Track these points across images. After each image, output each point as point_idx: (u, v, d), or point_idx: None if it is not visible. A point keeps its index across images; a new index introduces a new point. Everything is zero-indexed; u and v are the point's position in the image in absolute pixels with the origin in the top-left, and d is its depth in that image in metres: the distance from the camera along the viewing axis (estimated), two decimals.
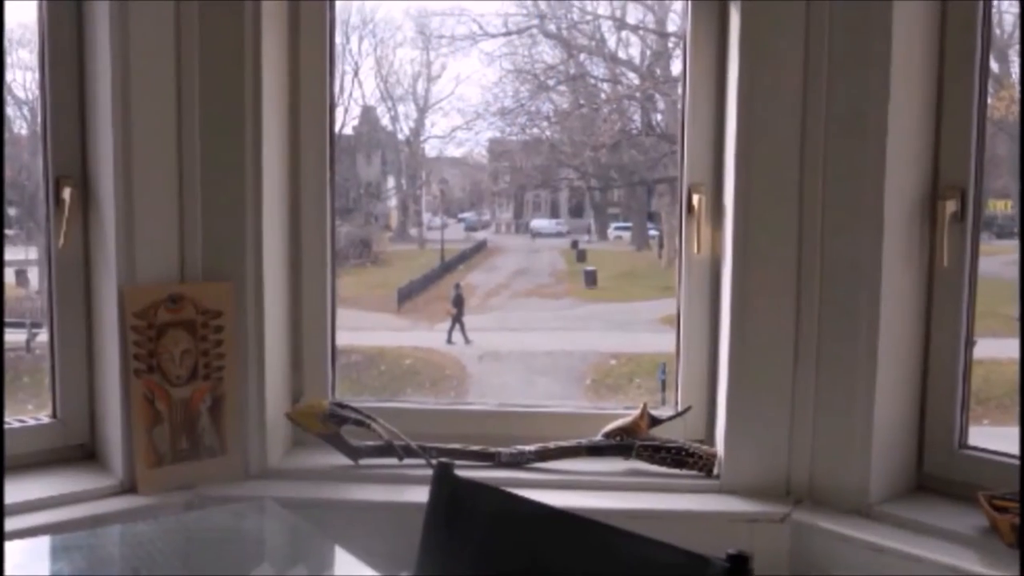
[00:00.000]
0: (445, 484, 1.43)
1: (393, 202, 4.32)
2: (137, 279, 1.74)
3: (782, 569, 1.64)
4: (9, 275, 2.13)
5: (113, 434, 1.78)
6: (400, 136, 3.97)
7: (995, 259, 1.79)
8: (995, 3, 1.63)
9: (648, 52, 3.36)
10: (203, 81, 1.75)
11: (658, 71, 3.34)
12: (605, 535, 1.22)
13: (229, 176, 1.77)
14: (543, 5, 3.08)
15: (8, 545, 1.32)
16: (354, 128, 3.82)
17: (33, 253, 1.85)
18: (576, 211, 4.47)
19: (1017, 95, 1.74)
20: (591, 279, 4.30)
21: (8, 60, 1.81)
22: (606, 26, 3.06)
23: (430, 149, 4.12)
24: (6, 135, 1.86)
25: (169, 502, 1.70)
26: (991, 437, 1.68)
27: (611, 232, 4.57)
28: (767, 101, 1.69)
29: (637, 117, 3.54)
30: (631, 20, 2.97)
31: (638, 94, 3.44)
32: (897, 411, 1.69)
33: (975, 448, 1.68)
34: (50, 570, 1.32)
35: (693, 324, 1.90)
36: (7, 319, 1.85)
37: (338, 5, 1.93)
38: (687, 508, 1.70)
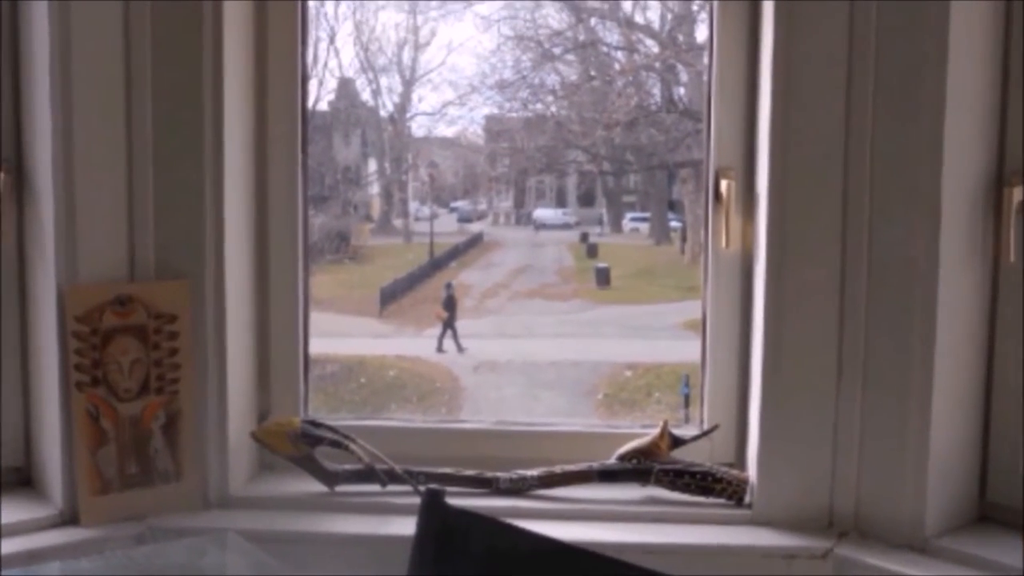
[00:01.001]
0: (435, 514, 1.42)
1: (375, 189, 4.31)
2: (79, 277, 1.74)
3: None
4: None
5: (52, 457, 1.77)
6: (383, 113, 3.96)
7: None
8: None
9: (669, 16, 3.35)
10: (155, 50, 1.75)
11: (681, 37, 3.34)
12: (619, 573, 1.22)
13: (185, 159, 1.77)
14: None
15: None
16: (330, 104, 3.81)
17: None
18: (586, 199, 4.47)
19: None
20: (603, 278, 4.29)
21: None
22: None
23: (417, 128, 4.11)
24: None
25: (116, 535, 1.70)
26: None
27: (626, 223, 4.57)
28: (807, 71, 1.68)
29: (656, 91, 3.53)
30: None
31: (658, 64, 3.44)
32: (956, 430, 1.68)
33: None
34: None
35: (721, 330, 1.90)
36: None
37: None
38: (714, 542, 1.70)
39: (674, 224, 4.23)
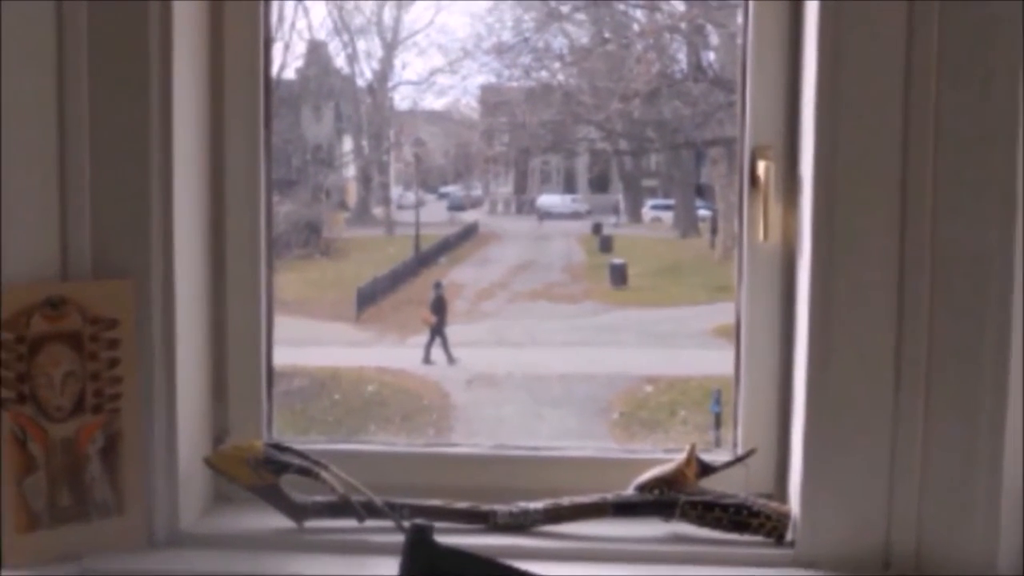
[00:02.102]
0: (421, 554, 1.42)
1: (351, 171, 4.31)
2: (3, 277, 1.74)
3: None
4: None
5: None
6: (360, 82, 3.96)
7: None
8: None
9: None
10: (93, 6, 1.75)
11: None
12: None
13: (128, 139, 1.77)
14: None
15: None
16: (298, 71, 3.81)
17: None
18: (599, 184, 4.46)
19: None
20: (619, 276, 4.29)
21: None
22: None
23: (401, 99, 4.11)
24: None
25: None
26: None
27: (647, 212, 4.56)
28: (859, 33, 1.68)
29: (682, 56, 3.53)
30: None
31: (683, 25, 3.44)
32: None
33: None
34: None
35: (758, 337, 1.89)
36: None
37: None
38: None
39: (703, 213, 4.22)
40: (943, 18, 1.65)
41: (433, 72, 3.68)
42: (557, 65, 3.64)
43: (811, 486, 1.74)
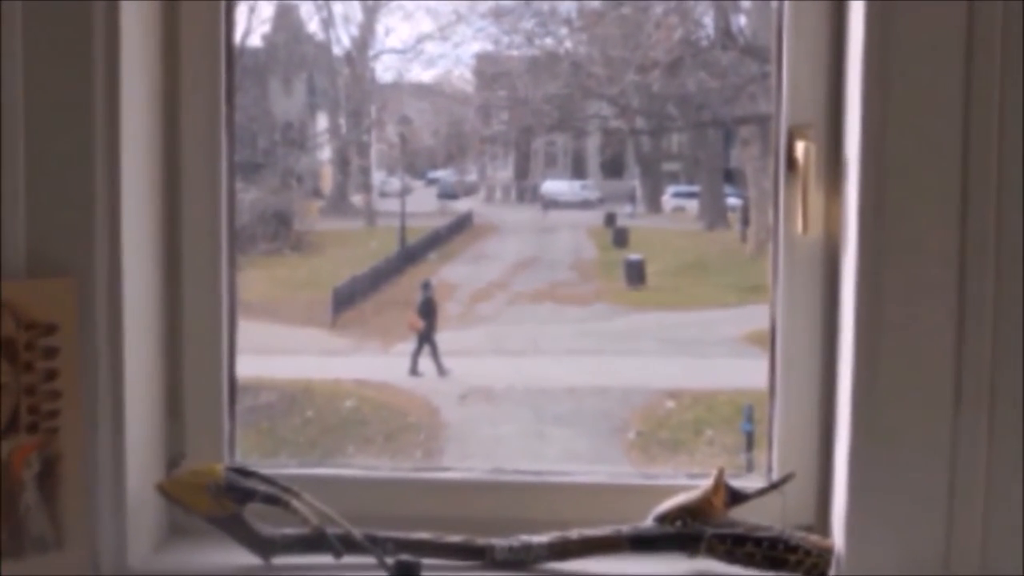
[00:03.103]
0: None
1: (326, 154, 4.31)
2: None
3: None
4: None
5: None
6: (337, 50, 3.96)
7: None
8: None
9: None
10: None
11: None
12: None
13: (68, 116, 1.77)
14: None
15: None
16: (265, 37, 3.81)
17: None
18: (613, 167, 4.46)
19: None
20: (636, 274, 4.29)
21: None
22: None
23: (384, 70, 4.10)
24: None
25: None
26: None
27: (668, 200, 4.56)
28: None
29: (709, 20, 3.53)
30: None
31: None
32: None
33: None
34: None
35: (796, 345, 1.89)
36: None
37: None
38: None
39: (732, 201, 4.22)
40: None
41: (421, 39, 3.68)
42: (564, 31, 3.63)
43: (857, 517, 1.74)
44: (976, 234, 1.69)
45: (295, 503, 1.83)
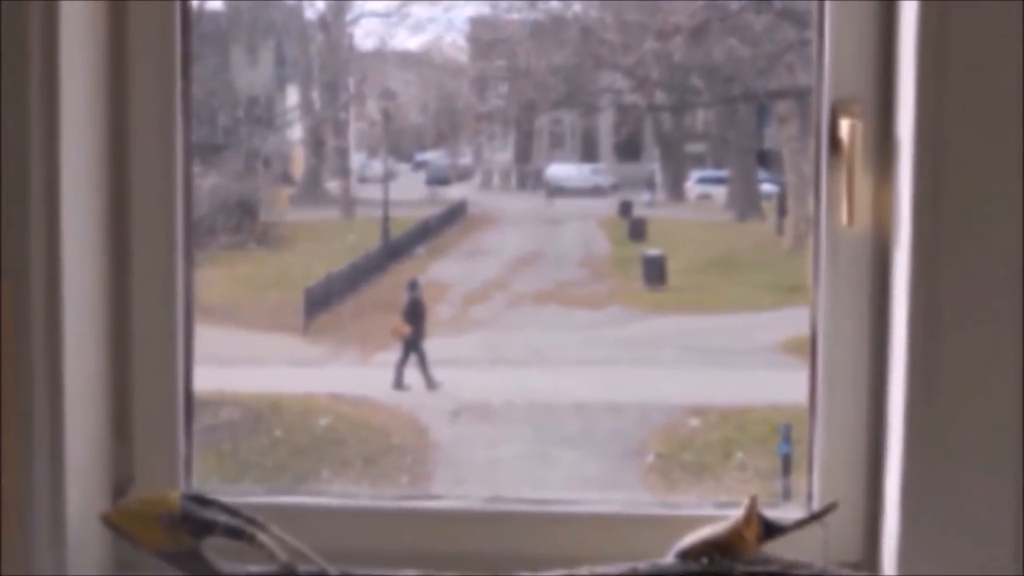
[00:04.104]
0: None
1: (297, 133, 4.31)
2: None
3: None
4: None
5: None
6: (310, 13, 3.96)
7: None
8: None
9: None
10: None
11: None
12: None
13: None
14: None
15: None
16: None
17: None
18: (628, 149, 4.46)
19: None
20: (655, 272, 4.29)
21: None
22: None
23: (364, 37, 4.11)
24: None
25: None
26: None
27: (692, 187, 4.56)
28: None
29: None
30: None
31: None
32: None
33: None
34: None
35: (841, 354, 1.89)
36: None
37: None
38: None
39: (766, 188, 4.22)
40: None
41: (406, 1, 3.68)
42: None
43: (911, 552, 1.74)
44: None
45: (261, 536, 1.83)
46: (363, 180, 4.43)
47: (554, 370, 4.22)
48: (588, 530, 1.94)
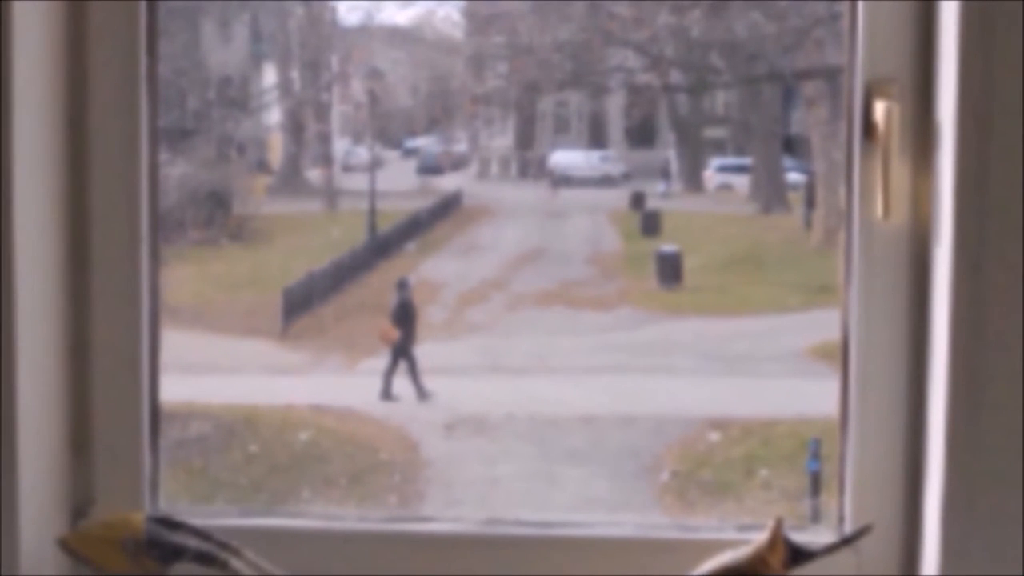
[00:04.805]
0: None
1: (274, 116, 4.31)
2: None
3: None
4: None
5: None
6: None
7: None
8: None
9: None
10: None
11: None
12: None
13: None
14: None
15: None
16: None
17: None
18: (641, 134, 4.46)
19: None
20: (670, 270, 4.29)
21: None
22: None
23: (348, 10, 4.11)
24: None
25: None
26: None
27: (711, 176, 4.56)
28: None
29: None
30: None
31: None
32: None
33: None
34: None
35: (876, 361, 1.89)
36: None
37: None
38: None
39: (793, 177, 4.22)
40: None
41: None
42: None
43: None
44: None
45: (235, 563, 1.83)
46: (347, 169, 4.43)
47: (559, 379, 4.22)
48: (596, 556, 1.94)
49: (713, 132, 4.41)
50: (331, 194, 4.36)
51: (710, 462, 3.78)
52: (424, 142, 4.59)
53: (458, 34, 4.05)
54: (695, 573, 1.84)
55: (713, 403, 4.03)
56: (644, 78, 4.02)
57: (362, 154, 4.36)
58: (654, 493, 3.79)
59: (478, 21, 3.92)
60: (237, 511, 2.04)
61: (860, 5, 1.87)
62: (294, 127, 4.30)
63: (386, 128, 4.42)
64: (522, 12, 3.68)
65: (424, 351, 4.11)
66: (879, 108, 1.84)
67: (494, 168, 4.54)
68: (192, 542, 1.83)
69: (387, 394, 4.05)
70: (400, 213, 4.49)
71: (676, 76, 4.04)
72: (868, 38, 1.87)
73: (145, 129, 1.94)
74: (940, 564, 1.75)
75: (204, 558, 1.83)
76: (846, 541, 1.85)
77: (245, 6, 3.91)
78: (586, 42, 3.78)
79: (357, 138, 4.39)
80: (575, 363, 4.30)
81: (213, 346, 4.05)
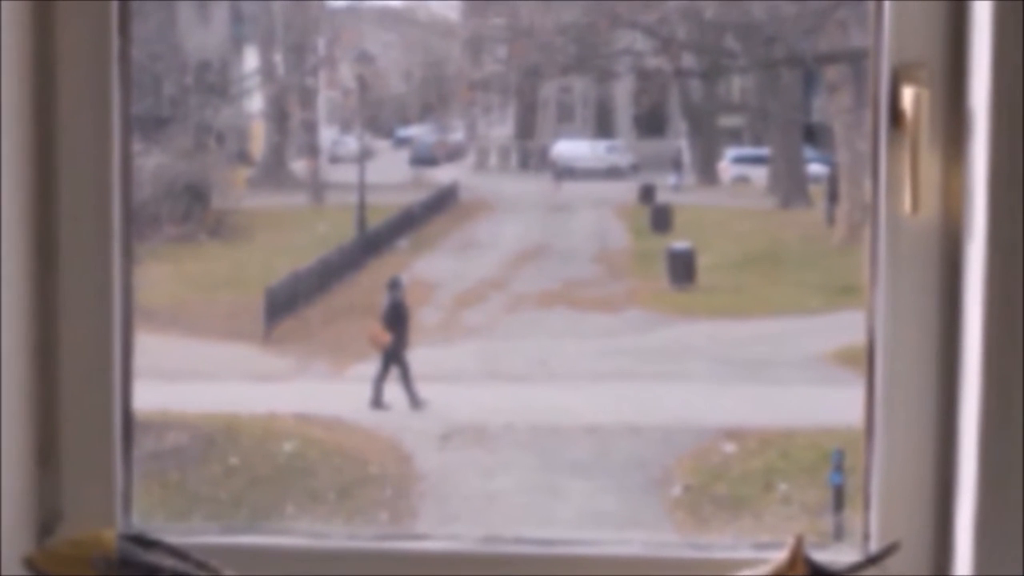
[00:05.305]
0: None
1: (256, 104, 4.31)
2: None
3: None
4: None
5: None
6: None
7: None
8: None
9: None
10: None
11: None
12: None
13: None
14: None
15: None
16: None
17: None
18: (650, 123, 4.46)
19: None
20: (683, 269, 4.30)
21: None
22: None
23: None
24: None
25: None
26: None
27: (726, 168, 4.56)
28: None
29: None
30: None
31: None
32: None
33: None
34: None
35: (904, 366, 1.89)
36: None
37: None
38: None
39: (815, 169, 4.22)
40: None
41: None
42: None
43: None
44: None
45: None
46: (335, 160, 4.43)
47: (562, 386, 4.23)
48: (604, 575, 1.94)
49: (728, 120, 4.41)
50: (317, 187, 4.36)
51: (725, 475, 3.79)
52: (417, 131, 4.60)
53: (454, 15, 4.05)
54: None
55: (728, 412, 4.03)
56: (654, 62, 4.03)
57: (351, 144, 4.36)
58: (665, 508, 3.79)
59: (476, 1, 3.92)
60: (216, 528, 2.03)
61: None
62: (277, 115, 4.30)
63: (376, 116, 4.42)
64: None
65: (417, 356, 4.11)
66: (907, 94, 1.84)
67: (493, 159, 4.55)
68: (168, 562, 1.83)
69: (378, 402, 4.05)
70: (392, 207, 4.49)
71: (688, 60, 4.05)
72: (895, 19, 1.87)
73: (117, 117, 1.94)
74: None
75: None
76: (872, 560, 1.85)
77: None
78: (591, 24, 3.79)
79: (345, 127, 4.39)
80: (579, 369, 4.30)
81: (190, 350, 4.05)
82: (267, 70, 4.21)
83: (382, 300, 4.14)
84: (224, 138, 4.27)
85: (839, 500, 3.14)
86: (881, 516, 1.91)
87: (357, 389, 4.03)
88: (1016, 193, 1.72)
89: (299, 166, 4.39)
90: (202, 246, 4.12)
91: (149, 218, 3.70)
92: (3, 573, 1.86)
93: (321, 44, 4.22)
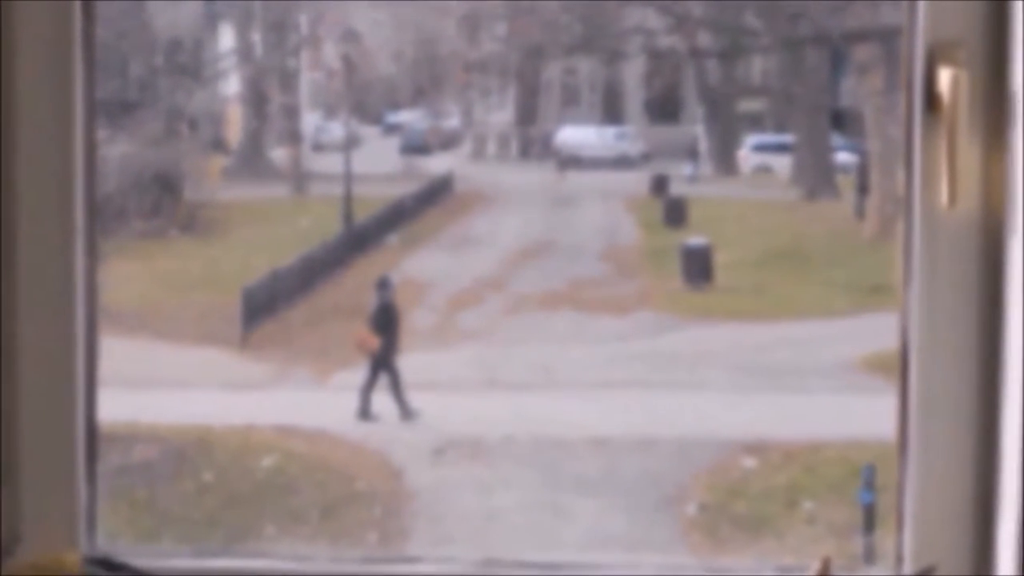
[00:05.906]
0: None
1: (232, 86, 4.31)
2: None
3: None
4: None
5: None
6: None
7: None
8: None
9: None
10: None
11: None
12: None
13: None
14: None
15: None
16: None
17: None
18: (663, 108, 4.46)
19: None
20: (699, 267, 4.30)
21: None
22: None
23: None
24: None
25: None
26: None
27: (746, 156, 4.56)
28: None
29: None
30: None
31: None
32: None
33: None
34: None
35: (940, 373, 1.90)
36: None
37: None
38: None
39: (843, 158, 4.22)
40: None
41: None
42: None
43: None
44: None
45: None
46: (318, 147, 4.44)
47: (567, 395, 4.23)
48: None
49: (749, 105, 4.42)
50: (299, 177, 4.37)
51: (745, 492, 3.80)
52: (408, 116, 4.61)
53: None
54: None
55: (748, 423, 4.04)
56: (667, 41, 4.04)
57: (335, 130, 4.37)
58: (679, 529, 3.80)
59: None
60: (188, 551, 2.04)
61: None
62: (255, 99, 4.31)
63: (364, 100, 4.43)
64: None
65: (408, 362, 4.12)
66: (944, 76, 1.85)
67: (491, 147, 4.56)
68: None
69: (365, 412, 4.06)
70: (380, 200, 4.50)
71: (705, 39, 4.06)
72: None
73: (80, 101, 1.94)
74: None
75: None
76: None
77: None
78: (598, 2, 3.79)
79: (330, 112, 4.40)
80: (586, 376, 4.31)
81: (160, 356, 4.06)
82: (244, 50, 4.22)
83: (370, 301, 4.15)
84: (197, 124, 4.28)
85: (870, 520, 3.14)
86: (916, 537, 1.91)
87: (343, 398, 4.04)
88: None
89: (279, 154, 4.40)
90: (173, 242, 4.13)
91: (115, 212, 3.70)
92: None
93: (303, 21, 4.23)
